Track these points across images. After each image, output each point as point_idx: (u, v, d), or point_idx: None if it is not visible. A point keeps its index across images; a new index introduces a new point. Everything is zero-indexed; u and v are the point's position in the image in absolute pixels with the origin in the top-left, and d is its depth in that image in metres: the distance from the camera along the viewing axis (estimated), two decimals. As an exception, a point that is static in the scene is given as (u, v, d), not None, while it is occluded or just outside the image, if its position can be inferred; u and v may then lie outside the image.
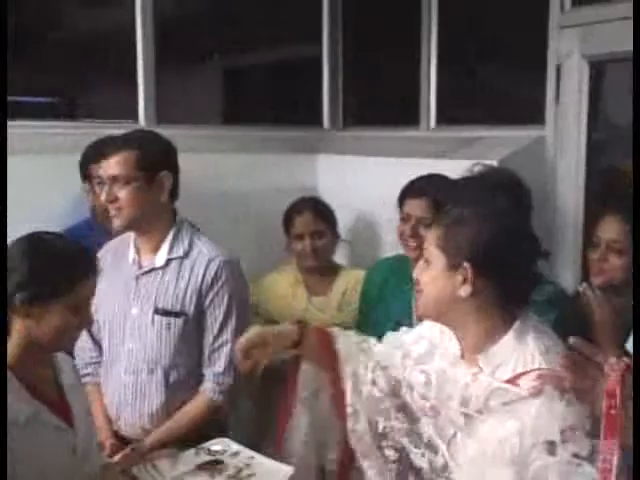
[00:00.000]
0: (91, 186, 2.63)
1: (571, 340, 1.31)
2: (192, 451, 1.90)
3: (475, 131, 3.05)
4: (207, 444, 1.93)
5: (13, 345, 1.59)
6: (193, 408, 2.19)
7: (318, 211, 2.79)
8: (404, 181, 2.50)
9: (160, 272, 2.18)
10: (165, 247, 2.19)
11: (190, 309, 2.16)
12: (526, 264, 1.49)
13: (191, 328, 2.17)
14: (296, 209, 2.80)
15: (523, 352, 1.43)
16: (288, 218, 2.80)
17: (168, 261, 2.18)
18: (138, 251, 2.23)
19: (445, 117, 3.33)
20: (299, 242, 2.75)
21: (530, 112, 2.88)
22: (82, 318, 1.65)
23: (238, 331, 2.15)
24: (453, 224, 1.50)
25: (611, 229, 2.06)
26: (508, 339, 1.45)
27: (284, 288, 2.79)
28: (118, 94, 3.43)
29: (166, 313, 2.15)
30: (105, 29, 3.42)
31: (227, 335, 2.18)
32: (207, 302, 2.17)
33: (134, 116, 3.25)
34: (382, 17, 3.64)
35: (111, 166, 2.11)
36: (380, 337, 2.29)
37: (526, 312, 1.49)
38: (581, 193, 2.69)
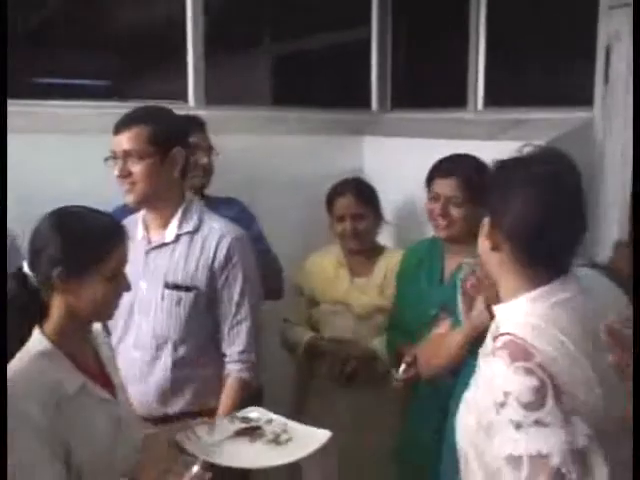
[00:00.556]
0: None
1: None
2: (227, 419, 1.94)
3: (523, 113, 3.04)
4: (241, 412, 1.98)
5: (55, 321, 1.59)
6: (230, 392, 2.18)
7: (360, 193, 2.80)
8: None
9: (170, 247, 2.19)
10: (175, 222, 2.19)
11: (202, 284, 2.17)
12: (568, 240, 1.49)
13: (202, 304, 2.18)
14: (338, 191, 2.81)
15: (524, 317, 1.44)
16: (330, 200, 2.82)
17: (178, 236, 2.19)
18: (147, 227, 2.24)
19: (493, 99, 3.32)
20: (340, 224, 2.77)
21: (579, 94, 2.86)
22: (119, 285, 1.65)
23: (254, 308, 2.22)
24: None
25: None
26: (522, 300, 1.47)
27: (327, 269, 2.82)
28: (168, 77, 3.49)
29: (176, 287, 2.16)
30: (156, 11, 3.49)
31: (244, 313, 2.20)
32: (222, 280, 2.18)
33: (184, 97, 3.30)
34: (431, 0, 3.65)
35: (124, 141, 2.11)
36: (413, 318, 2.35)
37: (560, 286, 1.47)
38: (629, 175, 2.67)
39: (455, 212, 2.36)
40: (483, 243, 1.53)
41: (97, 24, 3.29)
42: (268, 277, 2.61)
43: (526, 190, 1.45)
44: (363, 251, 2.79)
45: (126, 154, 2.11)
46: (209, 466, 1.72)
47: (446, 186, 2.38)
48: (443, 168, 2.45)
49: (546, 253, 1.47)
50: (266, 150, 3.21)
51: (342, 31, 3.80)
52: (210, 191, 2.78)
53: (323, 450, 1.82)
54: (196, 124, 2.74)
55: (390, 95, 3.82)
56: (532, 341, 1.37)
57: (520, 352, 1.36)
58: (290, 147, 3.29)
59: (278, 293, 2.81)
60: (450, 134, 3.14)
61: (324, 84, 3.84)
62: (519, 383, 1.33)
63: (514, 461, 1.32)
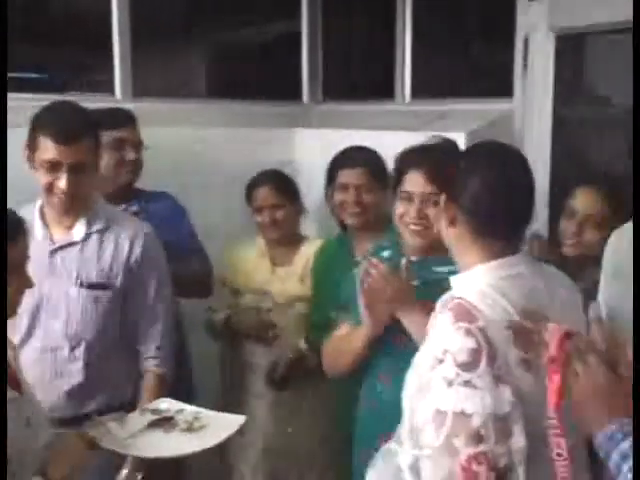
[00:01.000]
0: None
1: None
2: (137, 412, 1.93)
3: (448, 105, 3.12)
4: (150, 405, 1.97)
5: None
6: (149, 388, 2.16)
7: (277, 184, 2.82)
8: (382, 153, 2.55)
9: (78, 246, 2.14)
10: (82, 221, 2.14)
11: (117, 282, 2.14)
12: (519, 216, 1.59)
13: (118, 301, 2.15)
14: (255, 183, 2.84)
15: (476, 285, 1.51)
16: (249, 192, 2.84)
17: (87, 235, 2.14)
18: (47, 225, 2.16)
19: (420, 91, 3.40)
20: (259, 215, 2.80)
21: (500, 86, 2.95)
22: (19, 282, 1.60)
23: (169, 304, 2.24)
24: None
25: (587, 201, 2.17)
26: (476, 270, 1.54)
27: (249, 259, 2.84)
28: (94, 69, 3.47)
29: (91, 286, 2.11)
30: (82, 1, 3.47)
31: (160, 309, 2.20)
32: (138, 277, 2.16)
33: (111, 89, 3.28)
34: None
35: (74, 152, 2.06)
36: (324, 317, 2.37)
37: (511, 262, 1.55)
38: (547, 165, 2.77)
39: (367, 199, 2.49)
40: (439, 221, 1.61)
41: (23, 14, 3.25)
42: (197, 275, 2.62)
43: (481, 168, 1.56)
44: (283, 241, 2.81)
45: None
46: (139, 465, 1.72)
47: (355, 175, 2.50)
48: (349, 159, 2.56)
49: (499, 226, 1.55)
50: (196, 143, 3.20)
51: (273, 24, 3.84)
52: (139, 184, 2.77)
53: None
54: (125, 118, 2.68)
55: (321, 87, 3.87)
56: (478, 305, 1.45)
57: (465, 314, 1.44)
58: (221, 139, 3.29)
59: (207, 292, 2.82)
60: (379, 125, 3.21)
61: (256, 76, 3.86)
62: (458, 342, 1.40)
63: (439, 417, 1.40)
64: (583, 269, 2.10)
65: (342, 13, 3.84)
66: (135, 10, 3.28)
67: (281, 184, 2.84)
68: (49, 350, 2.13)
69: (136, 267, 2.16)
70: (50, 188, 2.07)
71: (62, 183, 2.04)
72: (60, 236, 2.15)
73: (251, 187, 2.84)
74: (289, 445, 2.71)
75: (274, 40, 3.90)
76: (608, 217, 2.14)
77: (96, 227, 2.15)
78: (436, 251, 1.87)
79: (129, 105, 2.99)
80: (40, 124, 2.06)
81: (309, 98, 3.85)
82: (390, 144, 2.62)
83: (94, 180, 2.15)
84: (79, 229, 2.14)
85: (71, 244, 2.14)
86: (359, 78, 3.84)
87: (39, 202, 2.18)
